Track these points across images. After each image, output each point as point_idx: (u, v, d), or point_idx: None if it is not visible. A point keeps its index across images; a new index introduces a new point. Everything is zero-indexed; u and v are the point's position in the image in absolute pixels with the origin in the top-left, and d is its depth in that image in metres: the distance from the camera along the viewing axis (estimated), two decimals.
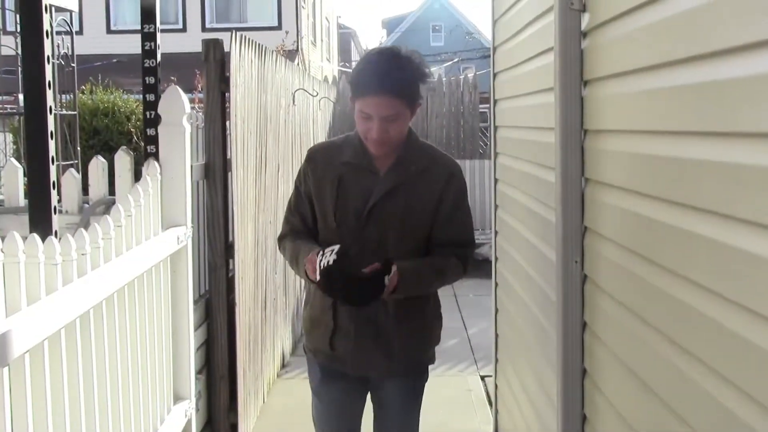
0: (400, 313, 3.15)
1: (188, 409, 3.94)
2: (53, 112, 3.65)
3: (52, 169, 3.63)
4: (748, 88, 1.55)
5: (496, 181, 4.84)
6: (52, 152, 3.62)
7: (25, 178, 4.03)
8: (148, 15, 4.22)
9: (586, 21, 2.65)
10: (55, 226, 3.66)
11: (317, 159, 3.18)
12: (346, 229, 3.07)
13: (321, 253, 2.82)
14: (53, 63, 3.87)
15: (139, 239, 3.34)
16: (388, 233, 3.07)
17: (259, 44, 5.52)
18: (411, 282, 2.97)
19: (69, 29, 8.98)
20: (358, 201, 3.07)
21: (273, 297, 6.37)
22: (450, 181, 3.12)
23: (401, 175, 3.08)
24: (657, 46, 2.04)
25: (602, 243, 2.55)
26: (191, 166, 4.00)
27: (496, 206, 4.86)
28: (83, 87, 11.22)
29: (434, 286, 3.23)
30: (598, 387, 2.62)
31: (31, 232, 3.05)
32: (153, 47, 4.22)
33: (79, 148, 8.91)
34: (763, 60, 1.49)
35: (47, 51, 3.60)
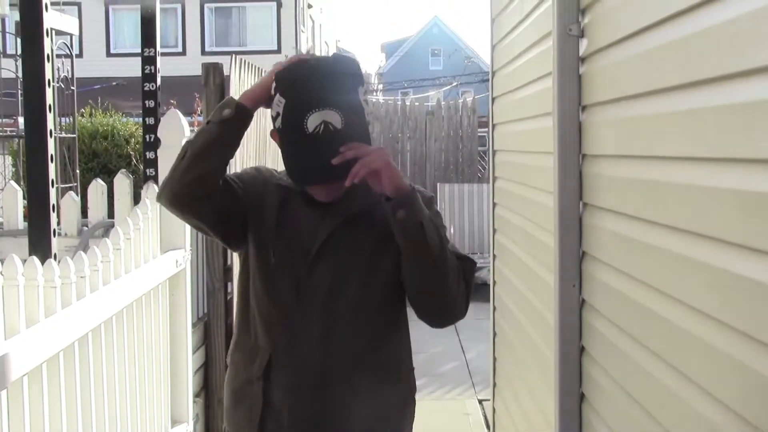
0: (360, 390, 2.34)
1: None
2: (53, 135, 3.66)
3: (52, 192, 3.64)
4: (742, 114, 1.56)
5: (494, 205, 4.85)
6: (51, 175, 3.64)
7: (25, 201, 4.04)
8: (148, 39, 4.25)
9: (584, 47, 2.67)
10: (55, 248, 3.68)
11: (263, 171, 2.48)
12: (287, 272, 2.33)
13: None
14: (53, 86, 3.88)
15: (138, 262, 3.35)
16: (346, 277, 2.32)
17: (258, 68, 5.54)
18: (412, 200, 2.20)
19: (69, 52, 9.01)
20: (305, 235, 2.33)
21: None
22: (429, 203, 2.34)
23: (364, 198, 2.34)
24: (653, 73, 2.05)
25: (600, 267, 2.55)
26: None
27: (494, 230, 4.86)
28: (83, 110, 11.26)
29: (435, 245, 2.22)
30: (595, 411, 2.62)
31: (30, 254, 3.06)
32: (153, 71, 4.24)
33: (78, 171, 8.92)
34: (756, 87, 1.50)
35: (48, 74, 3.62)
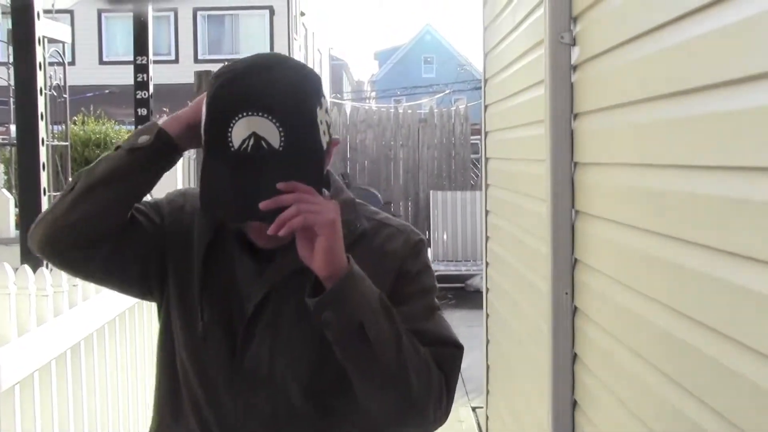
0: None
1: None
2: (45, 143, 3.66)
3: (44, 200, 3.64)
4: (734, 122, 1.57)
5: (487, 212, 4.85)
6: (44, 183, 3.64)
7: (17, 209, 4.03)
8: (141, 47, 4.25)
9: (576, 55, 2.68)
10: None
11: (191, 198, 1.81)
12: (218, 340, 1.71)
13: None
14: (46, 94, 3.87)
15: None
16: (293, 351, 1.70)
17: None
18: (346, 295, 1.56)
19: (62, 60, 9.00)
20: (240, 290, 1.72)
21: None
22: (415, 252, 1.75)
23: None
24: (646, 81, 2.06)
25: (592, 275, 2.56)
26: None
27: (487, 238, 4.86)
28: (75, 118, 11.24)
29: (384, 350, 1.59)
30: (588, 418, 2.62)
31: (22, 263, 3.05)
32: (145, 79, 4.25)
33: (70, 179, 8.88)
34: (748, 95, 1.51)
35: (40, 83, 3.62)
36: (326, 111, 1.62)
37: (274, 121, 1.52)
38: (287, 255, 1.65)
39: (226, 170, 1.53)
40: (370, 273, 1.61)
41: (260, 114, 1.52)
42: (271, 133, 1.52)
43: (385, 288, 1.63)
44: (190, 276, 1.73)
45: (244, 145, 1.51)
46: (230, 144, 1.52)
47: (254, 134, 1.52)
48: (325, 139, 1.60)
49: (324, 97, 1.63)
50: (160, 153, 1.64)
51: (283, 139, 1.52)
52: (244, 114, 1.51)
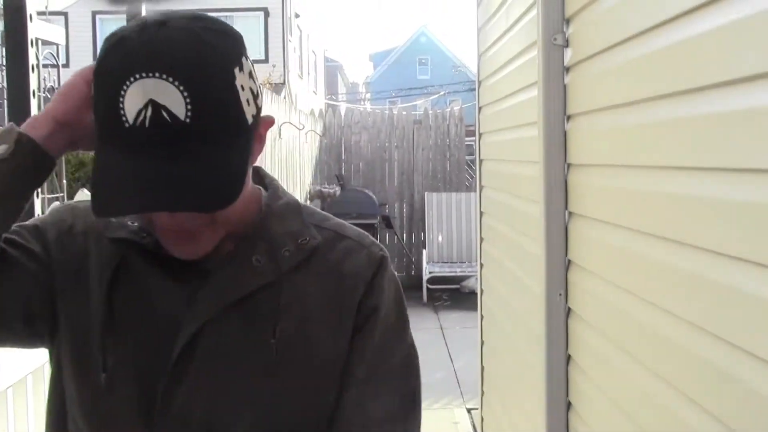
0: None
1: None
2: None
3: (37, 202, 3.63)
4: (728, 123, 1.57)
5: (481, 214, 4.86)
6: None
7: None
8: None
9: (569, 56, 2.68)
10: None
11: (78, 214, 1.43)
12: (128, 398, 1.32)
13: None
14: (39, 96, 3.86)
15: None
16: (233, 406, 1.32)
17: None
18: None
19: (56, 62, 8.99)
20: (159, 329, 1.32)
21: None
22: (376, 280, 1.40)
23: (256, 271, 1.34)
24: (638, 82, 2.06)
25: (586, 276, 2.56)
26: None
27: (481, 239, 4.87)
28: None
29: None
30: (582, 419, 2.62)
31: None
32: None
33: (65, 181, 8.89)
34: (741, 96, 1.51)
35: (33, 85, 3.61)
36: (250, 76, 1.24)
37: (176, 83, 1.14)
38: (226, 271, 1.32)
39: (121, 155, 1.17)
40: (327, 300, 1.35)
41: (157, 75, 1.14)
42: (173, 100, 1.15)
43: (344, 325, 1.35)
44: (87, 315, 1.33)
45: (141, 118, 1.14)
46: (123, 119, 1.15)
47: (152, 103, 1.14)
48: (250, 112, 1.22)
49: (247, 58, 1.25)
50: (25, 164, 1.25)
51: (190, 108, 1.15)
52: (137, 76, 1.14)
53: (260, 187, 1.44)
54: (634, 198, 2.12)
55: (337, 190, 10.99)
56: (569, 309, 2.74)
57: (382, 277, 1.41)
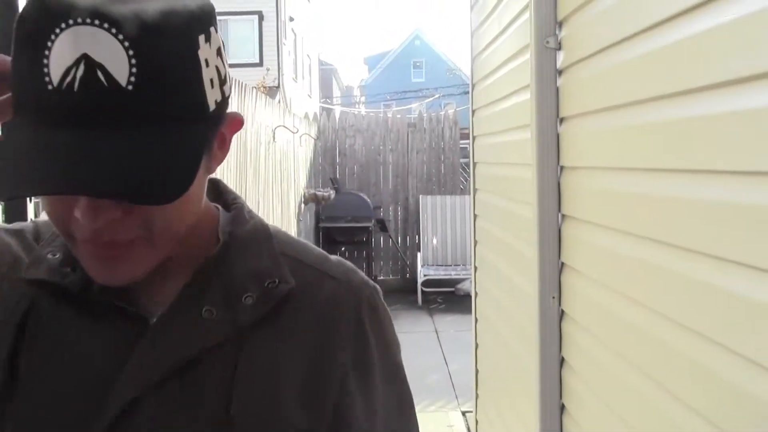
0: None
1: None
2: None
3: (30, 206, 3.62)
4: (720, 125, 1.57)
5: (475, 216, 4.86)
6: None
7: (3, 215, 4.02)
8: None
9: (561, 59, 2.68)
10: None
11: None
12: None
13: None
14: None
15: None
16: None
17: (238, 81, 5.54)
18: None
19: None
20: (72, 407, 1.00)
21: None
22: (365, 330, 1.12)
23: (206, 326, 1.03)
24: (630, 84, 2.06)
25: (579, 279, 2.56)
26: None
27: (475, 242, 4.87)
28: None
29: None
30: (576, 422, 2.62)
31: None
32: None
33: None
34: (733, 98, 1.51)
35: None
36: (219, 54, 0.96)
37: (120, 36, 0.85)
38: (168, 325, 1.02)
39: (36, 129, 0.87)
40: (301, 362, 1.06)
41: (96, 22, 0.84)
42: (114, 58, 0.85)
43: (323, 393, 1.06)
44: None
45: (69, 79, 0.84)
46: (46, 80, 0.85)
47: (85, 59, 0.84)
48: (213, 96, 0.94)
49: (215, 28, 0.96)
50: None
51: (134, 71, 0.85)
52: (70, 22, 0.84)
53: (219, 207, 1.13)
54: (627, 200, 2.12)
55: (332, 193, 10.99)
56: (562, 311, 2.74)
57: (373, 325, 1.13)
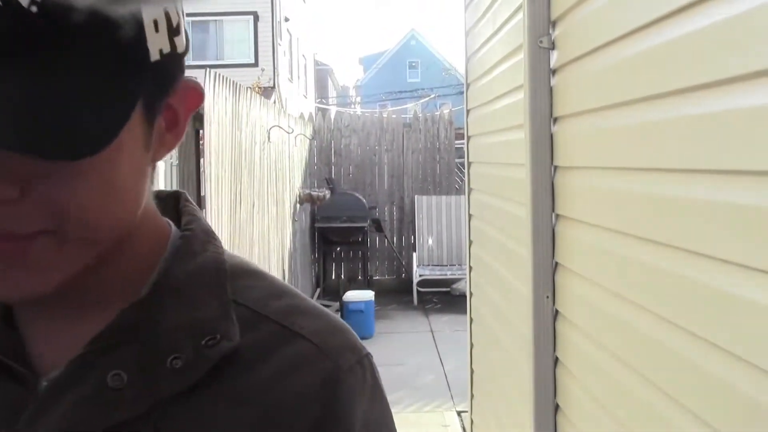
0: None
1: None
2: None
3: None
4: (713, 125, 1.57)
5: (470, 216, 4.86)
6: None
7: None
8: None
9: (555, 59, 2.69)
10: None
11: None
12: None
13: None
14: None
15: None
16: None
17: (233, 82, 5.54)
18: None
19: None
20: None
21: None
22: (334, 417, 0.77)
23: (111, 398, 0.74)
24: (624, 84, 2.06)
25: (573, 279, 2.56)
26: None
27: (470, 242, 4.87)
28: None
29: None
30: (570, 421, 2.62)
31: None
32: None
33: None
34: (726, 97, 1.51)
35: None
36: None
37: None
38: (65, 392, 0.75)
39: None
40: None
41: None
42: None
43: None
44: None
45: None
46: None
47: None
48: (157, 43, 0.73)
49: None
50: None
51: None
52: None
53: (171, 224, 0.86)
54: (620, 200, 2.12)
55: (327, 193, 10.99)
56: (557, 311, 2.74)
57: (350, 409, 0.79)
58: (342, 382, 0.78)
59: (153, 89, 0.74)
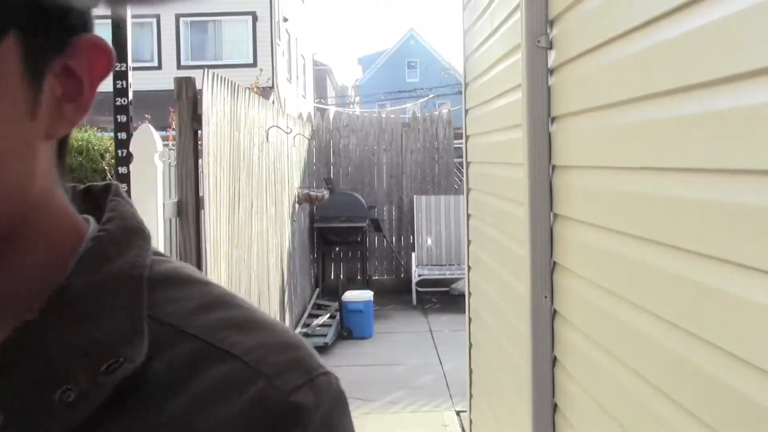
0: None
1: None
2: None
3: None
4: (710, 124, 1.57)
5: (468, 216, 4.86)
6: None
7: None
8: (119, 54, 4.22)
9: (552, 58, 2.69)
10: None
11: None
12: None
13: None
14: None
15: None
16: None
17: (231, 82, 5.53)
18: None
19: None
20: None
21: None
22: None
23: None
24: (622, 83, 2.06)
25: (571, 278, 2.56)
26: (163, 204, 4.00)
27: (469, 241, 4.87)
28: None
29: None
30: (568, 421, 2.62)
31: None
32: (125, 86, 4.22)
33: None
34: (723, 97, 1.51)
35: None
36: None
37: None
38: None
39: None
40: None
41: None
42: None
43: None
44: None
45: None
46: None
47: None
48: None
49: None
50: None
51: None
52: None
53: (92, 220, 0.71)
54: (618, 199, 2.12)
55: (326, 193, 10.98)
56: (555, 311, 2.74)
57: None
58: (279, 406, 0.62)
59: (34, 37, 0.59)
